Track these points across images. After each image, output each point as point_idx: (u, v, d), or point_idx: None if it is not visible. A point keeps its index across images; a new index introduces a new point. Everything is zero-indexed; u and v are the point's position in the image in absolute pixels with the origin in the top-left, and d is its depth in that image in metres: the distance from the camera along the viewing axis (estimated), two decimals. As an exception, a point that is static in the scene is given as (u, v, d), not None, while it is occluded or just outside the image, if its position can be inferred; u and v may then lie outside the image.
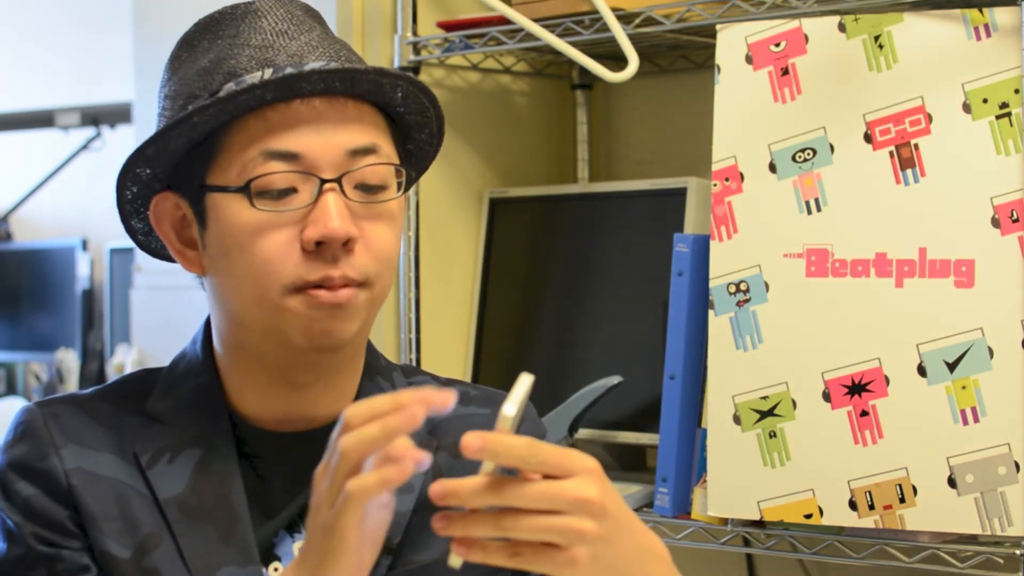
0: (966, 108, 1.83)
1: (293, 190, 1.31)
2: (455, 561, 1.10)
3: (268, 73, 1.31)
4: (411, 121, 1.40)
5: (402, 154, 1.39)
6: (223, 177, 1.32)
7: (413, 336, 2.30)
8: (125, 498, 1.34)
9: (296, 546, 1.36)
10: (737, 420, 1.94)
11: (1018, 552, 1.79)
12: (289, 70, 1.30)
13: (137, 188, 1.38)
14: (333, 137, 1.32)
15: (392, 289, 2.28)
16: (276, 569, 1.36)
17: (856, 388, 1.87)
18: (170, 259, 1.43)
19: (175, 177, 1.37)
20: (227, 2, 1.39)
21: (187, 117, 1.30)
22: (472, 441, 1.07)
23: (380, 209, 1.33)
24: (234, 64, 1.33)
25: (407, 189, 1.40)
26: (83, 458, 1.35)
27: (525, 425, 1.46)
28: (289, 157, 1.31)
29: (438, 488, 1.09)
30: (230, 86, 1.31)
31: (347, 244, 1.31)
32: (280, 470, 1.38)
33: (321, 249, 1.30)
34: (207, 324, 1.43)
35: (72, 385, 4.49)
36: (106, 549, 1.32)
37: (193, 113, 1.30)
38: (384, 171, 1.34)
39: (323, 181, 1.31)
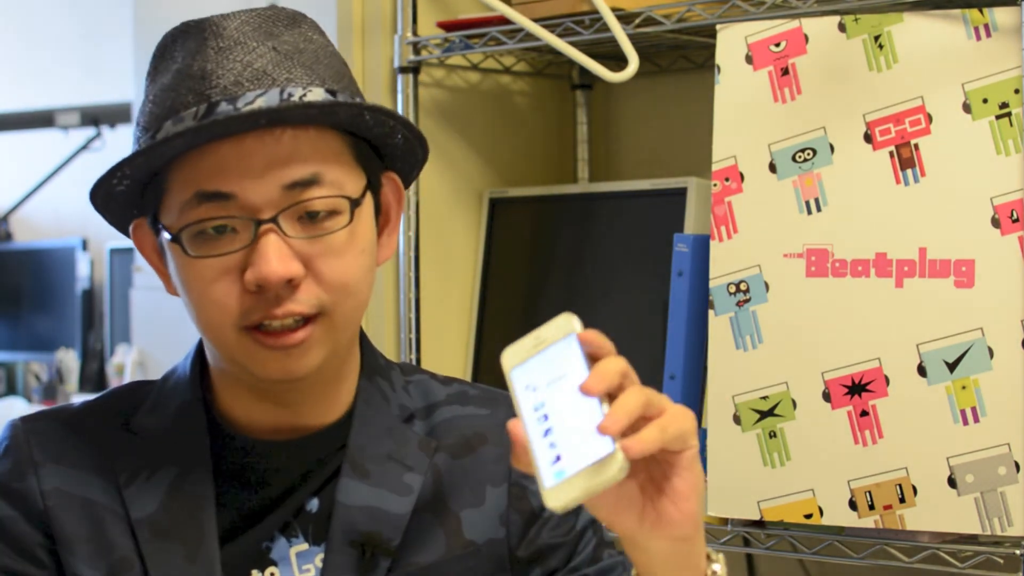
0: (966, 108, 1.83)
1: (232, 230, 1.28)
2: (623, 468, 1.06)
3: (202, 109, 1.27)
4: (376, 132, 1.35)
5: (371, 163, 1.35)
6: (168, 217, 1.31)
7: (413, 336, 2.30)
8: (100, 520, 1.34)
9: (293, 550, 1.36)
10: (737, 420, 1.94)
11: (1018, 552, 1.79)
12: (222, 107, 1.27)
13: (111, 216, 1.38)
14: (266, 174, 1.27)
15: (392, 289, 2.32)
16: (272, 574, 1.36)
17: (856, 388, 1.87)
18: None
19: (142, 207, 1.36)
20: (225, 3, 1.38)
21: (121, 164, 1.29)
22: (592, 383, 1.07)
23: (329, 241, 1.29)
24: (175, 98, 1.29)
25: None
26: (62, 478, 1.35)
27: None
28: (222, 198, 1.28)
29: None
30: (168, 124, 1.29)
31: (291, 282, 1.28)
32: (276, 477, 1.37)
33: (263, 290, 1.28)
34: (200, 341, 1.42)
35: (72, 385, 4.49)
36: (78, 572, 1.33)
37: (125, 162, 1.29)
38: (329, 201, 1.29)
39: (259, 222, 1.27)
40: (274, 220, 1.27)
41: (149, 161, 1.29)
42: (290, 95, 1.28)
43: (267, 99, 1.28)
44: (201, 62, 1.30)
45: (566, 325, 1.10)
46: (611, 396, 1.08)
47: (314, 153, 1.30)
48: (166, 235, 1.31)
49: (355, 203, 1.31)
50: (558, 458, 1.07)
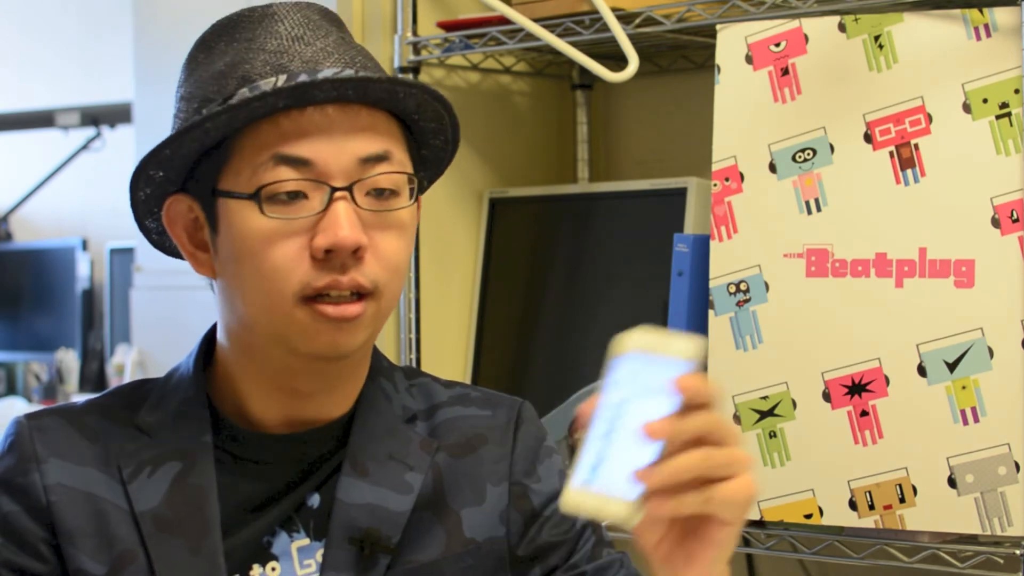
0: (966, 108, 1.83)
1: (304, 196, 1.31)
2: (635, 518, 1.05)
3: (282, 79, 1.30)
4: (426, 128, 1.39)
5: (416, 160, 1.39)
6: (234, 182, 1.32)
7: (413, 336, 2.30)
8: (104, 514, 1.35)
9: (294, 544, 1.37)
10: (737, 420, 1.94)
11: (1018, 552, 1.79)
12: (303, 77, 1.30)
13: (150, 189, 1.38)
14: (345, 145, 1.31)
15: (393, 289, 2.32)
16: (274, 569, 1.36)
17: (856, 388, 1.87)
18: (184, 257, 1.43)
19: (188, 180, 1.36)
20: (224, 4, 1.39)
21: (200, 122, 1.30)
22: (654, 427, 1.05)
23: (391, 218, 1.33)
24: (248, 69, 1.32)
25: (420, 195, 1.40)
26: (65, 473, 1.36)
27: (525, 427, 1.47)
28: (300, 163, 1.30)
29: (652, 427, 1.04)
30: (243, 92, 1.31)
31: (357, 252, 1.30)
32: (278, 471, 1.38)
33: (330, 257, 1.30)
34: (205, 339, 1.43)
35: (72, 385, 4.49)
36: (81, 567, 1.33)
37: (206, 119, 1.30)
38: (396, 178, 1.33)
39: (333, 189, 1.30)
40: (349, 189, 1.31)
41: (231, 121, 1.31)
42: (365, 76, 1.32)
43: (346, 75, 1.31)
44: (275, 39, 1.33)
45: (689, 349, 1.07)
46: (702, 441, 1.06)
47: (386, 132, 1.34)
48: (235, 197, 1.31)
49: (418, 186, 1.36)
50: (597, 465, 1.05)
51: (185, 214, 1.38)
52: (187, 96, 1.36)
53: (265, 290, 1.31)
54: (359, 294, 1.31)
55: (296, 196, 1.31)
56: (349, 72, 1.32)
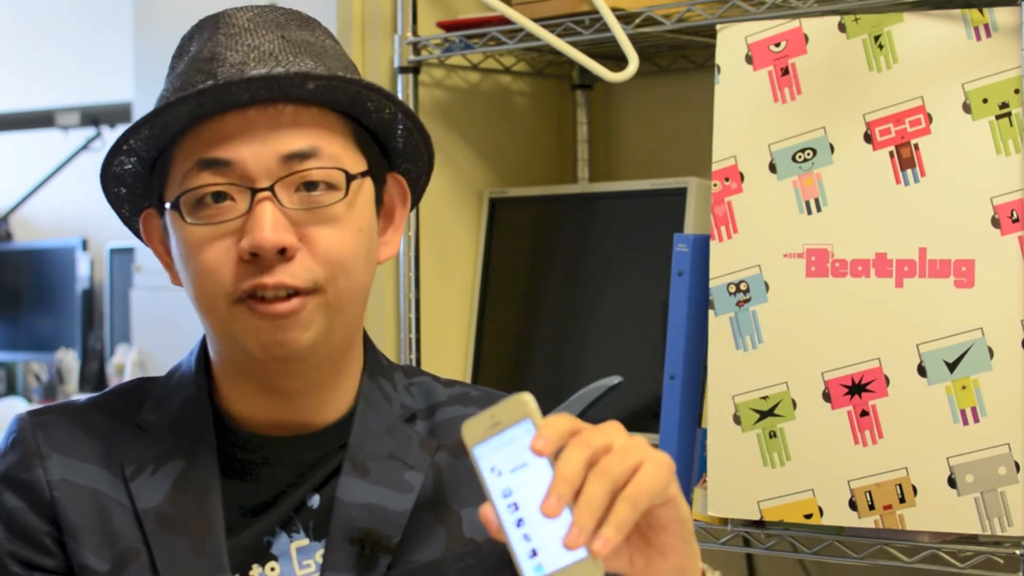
0: (966, 108, 1.83)
1: (230, 198, 1.30)
2: (600, 568, 1.03)
3: (208, 85, 1.29)
4: (381, 118, 1.37)
5: (372, 153, 1.37)
6: (170, 190, 1.33)
7: (413, 336, 2.30)
8: (107, 511, 1.35)
9: (293, 545, 1.37)
10: (737, 420, 1.94)
11: (1018, 552, 1.79)
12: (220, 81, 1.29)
13: (126, 207, 1.40)
14: (265, 143, 1.30)
15: (392, 289, 2.32)
16: (273, 569, 1.36)
17: (856, 388, 1.87)
18: None
19: (149, 194, 1.38)
20: (225, 3, 1.40)
21: (124, 139, 1.32)
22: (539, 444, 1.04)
23: (325, 213, 1.31)
24: (185, 80, 1.33)
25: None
26: (68, 469, 1.36)
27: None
28: (220, 165, 1.29)
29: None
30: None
31: (285, 253, 1.29)
32: (278, 472, 1.38)
33: (257, 259, 1.29)
34: (205, 338, 1.43)
35: (72, 385, 4.49)
36: (84, 562, 1.33)
37: (127, 134, 1.31)
38: (326, 172, 1.31)
39: (255, 191, 1.29)
40: (270, 189, 1.29)
41: (153, 132, 1.31)
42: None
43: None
44: (211, 47, 1.33)
45: (520, 408, 1.05)
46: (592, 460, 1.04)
47: (314, 127, 1.32)
48: (167, 205, 1.32)
49: (351, 177, 1.33)
50: (534, 552, 1.03)
51: (157, 226, 1.39)
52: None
53: (204, 294, 1.32)
54: (297, 291, 1.30)
55: (221, 198, 1.30)
56: (279, 71, 1.30)
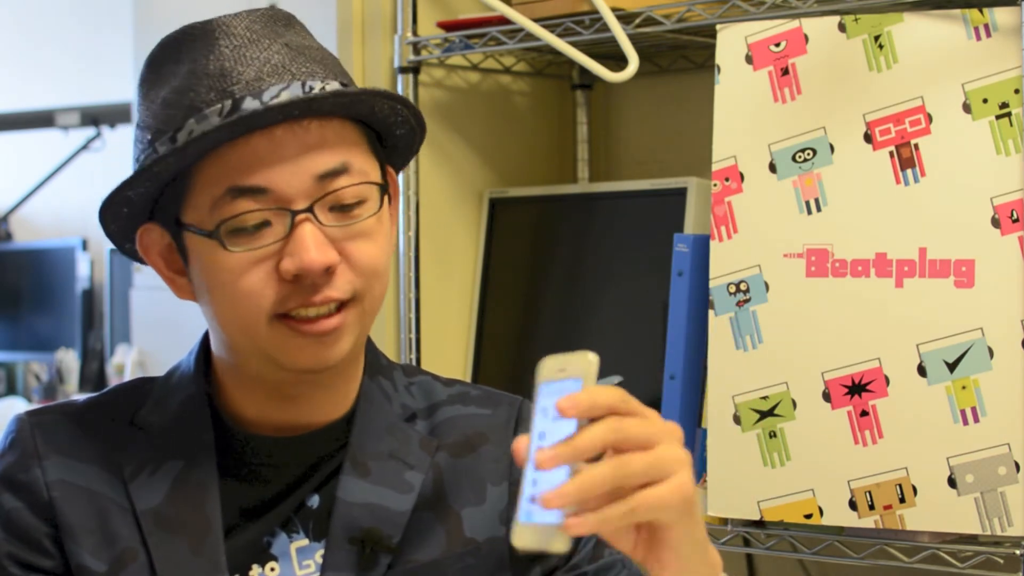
0: (966, 108, 1.83)
1: (267, 223, 1.30)
2: (564, 542, 1.04)
3: (228, 105, 1.29)
4: (385, 120, 1.37)
5: (380, 154, 1.38)
6: (196, 215, 1.32)
7: (413, 336, 2.30)
8: (105, 511, 1.35)
9: (293, 545, 1.37)
10: (737, 420, 1.94)
11: (1018, 552, 1.79)
12: (248, 102, 1.28)
13: (118, 224, 1.38)
14: (298, 165, 1.29)
15: (392, 289, 2.32)
16: (272, 569, 1.36)
17: (856, 388, 1.87)
18: None
19: (155, 210, 1.36)
20: (224, 4, 1.39)
21: (150, 166, 1.30)
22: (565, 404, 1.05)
23: (360, 227, 1.32)
24: (193, 97, 1.31)
25: (390, 178, 1.39)
26: (66, 470, 1.36)
27: (525, 426, 1.46)
28: (257, 192, 1.29)
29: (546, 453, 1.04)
30: (191, 123, 1.30)
31: (328, 270, 1.30)
32: (278, 473, 1.38)
33: (300, 279, 1.29)
34: (204, 337, 1.43)
35: (72, 385, 4.49)
36: (82, 563, 1.33)
37: (155, 163, 1.30)
38: (359, 189, 1.32)
39: (294, 213, 1.29)
40: (309, 210, 1.29)
41: (180, 161, 1.30)
42: (311, 88, 1.31)
43: (291, 92, 1.30)
44: (217, 61, 1.31)
45: (582, 366, 1.08)
46: (619, 450, 1.05)
47: (340, 143, 1.32)
48: (197, 233, 1.31)
49: (383, 189, 1.34)
50: (533, 498, 1.05)
51: (158, 241, 1.38)
52: (141, 125, 1.36)
53: (239, 314, 1.32)
54: (339, 304, 1.31)
55: (260, 226, 1.30)
56: (296, 85, 1.30)
